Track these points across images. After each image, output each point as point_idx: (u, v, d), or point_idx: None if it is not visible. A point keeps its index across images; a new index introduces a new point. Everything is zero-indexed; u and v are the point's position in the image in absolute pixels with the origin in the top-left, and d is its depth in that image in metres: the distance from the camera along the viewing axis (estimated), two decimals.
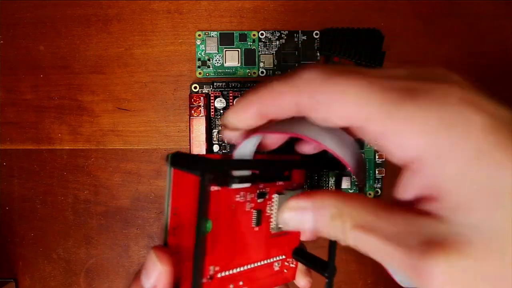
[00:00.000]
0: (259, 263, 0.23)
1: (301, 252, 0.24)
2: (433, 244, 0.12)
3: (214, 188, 0.20)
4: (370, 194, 0.33)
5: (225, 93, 0.32)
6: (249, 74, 0.33)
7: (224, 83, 0.32)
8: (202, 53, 0.33)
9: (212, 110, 0.32)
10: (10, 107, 0.33)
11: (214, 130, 0.33)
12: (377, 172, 0.32)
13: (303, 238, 0.22)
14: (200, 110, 0.31)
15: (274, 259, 0.24)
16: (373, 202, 0.14)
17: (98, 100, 0.33)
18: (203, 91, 0.32)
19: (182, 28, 0.33)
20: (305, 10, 0.33)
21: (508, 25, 0.33)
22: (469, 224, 0.12)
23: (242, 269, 0.22)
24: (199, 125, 0.31)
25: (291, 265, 0.24)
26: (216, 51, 0.33)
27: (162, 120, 0.33)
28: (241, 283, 0.22)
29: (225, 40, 0.33)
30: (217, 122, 0.33)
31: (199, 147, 0.31)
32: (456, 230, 0.12)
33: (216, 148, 0.32)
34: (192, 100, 0.31)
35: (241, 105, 0.17)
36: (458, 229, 0.12)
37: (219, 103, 0.32)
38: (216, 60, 0.33)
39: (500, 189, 0.12)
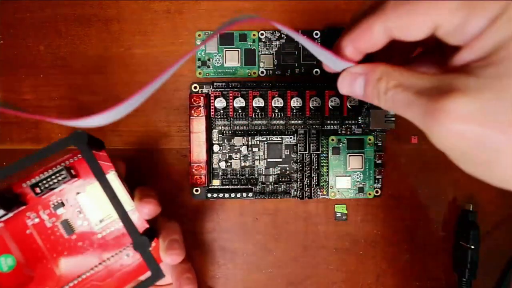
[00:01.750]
0: (102, 264, 0.23)
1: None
2: (454, 91, 0.15)
3: None
4: (370, 194, 0.33)
5: (225, 93, 0.32)
6: (249, 74, 0.33)
7: (224, 83, 0.32)
8: (202, 53, 0.33)
9: (212, 110, 0.32)
10: None
11: (214, 130, 0.33)
12: (376, 172, 0.32)
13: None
14: (200, 110, 0.31)
15: (120, 253, 0.24)
16: (412, 70, 0.17)
17: (98, 100, 0.33)
18: (203, 91, 0.32)
19: (182, 28, 0.33)
20: (305, 10, 0.33)
21: None
22: (491, 76, 0.15)
23: (81, 278, 0.23)
24: (199, 125, 0.31)
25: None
26: (216, 51, 0.33)
27: (162, 120, 0.33)
28: None
29: (225, 40, 0.33)
30: (217, 122, 0.33)
31: (199, 147, 0.31)
32: (480, 81, 0.15)
33: (216, 148, 0.32)
34: (192, 100, 0.31)
35: (338, 48, 0.20)
36: (483, 81, 0.15)
37: (219, 103, 0.32)
38: (216, 60, 0.33)
39: None
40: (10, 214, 0.22)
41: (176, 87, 0.33)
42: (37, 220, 0.23)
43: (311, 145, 0.33)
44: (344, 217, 0.33)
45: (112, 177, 0.24)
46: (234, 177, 0.33)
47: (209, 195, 0.32)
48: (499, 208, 0.33)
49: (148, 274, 0.21)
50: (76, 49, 0.33)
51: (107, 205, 0.23)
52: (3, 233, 0.22)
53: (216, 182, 0.33)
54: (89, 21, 0.33)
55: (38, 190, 0.23)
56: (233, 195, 0.32)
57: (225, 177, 0.33)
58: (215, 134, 0.33)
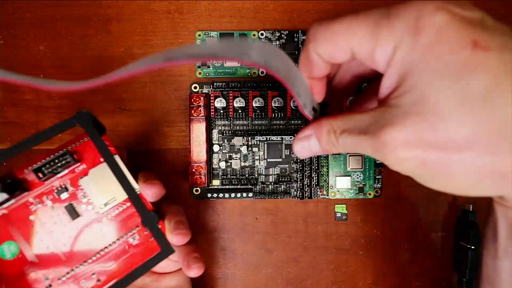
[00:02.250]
0: (108, 248, 0.23)
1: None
2: (386, 124, 0.16)
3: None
4: (370, 194, 0.33)
5: (225, 93, 0.32)
6: (249, 74, 0.33)
7: (224, 83, 0.32)
8: None
9: (212, 110, 0.32)
10: (10, 107, 0.33)
11: (214, 130, 0.33)
12: (376, 172, 0.32)
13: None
14: (200, 110, 0.31)
15: (125, 236, 0.24)
16: (352, 113, 0.19)
17: (98, 100, 0.33)
18: (203, 91, 0.32)
19: (182, 28, 0.33)
20: (305, 10, 0.33)
21: (508, 25, 0.33)
22: (409, 103, 0.16)
23: (86, 263, 0.23)
24: (199, 125, 0.31)
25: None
26: None
27: (162, 120, 0.33)
28: (94, 275, 0.23)
29: (225, 40, 0.33)
30: (217, 122, 0.33)
31: (199, 147, 0.31)
32: (402, 110, 0.16)
33: (216, 148, 0.32)
34: (192, 100, 0.31)
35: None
36: (404, 109, 0.16)
37: (219, 103, 0.32)
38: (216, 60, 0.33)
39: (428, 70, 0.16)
40: (12, 201, 0.22)
41: (176, 87, 0.33)
42: (40, 205, 0.22)
43: None
44: (344, 217, 0.33)
45: (117, 160, 0.23)
46: (234, 177, 0.33)
47: (209, 195, 0.32)
48: None
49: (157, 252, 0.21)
50: (76, 49, 0.33)
51: (111, 188, 0.23)
52: (6, 220, 0.22)
53: (216, 182, 0.33)
54: (89, 21, 0.33)
55: (41, 175, 0.22)
56: (233, 195, 0.32)
57: (225, 177, 0.33)
58: (215, 134, 0.33)
